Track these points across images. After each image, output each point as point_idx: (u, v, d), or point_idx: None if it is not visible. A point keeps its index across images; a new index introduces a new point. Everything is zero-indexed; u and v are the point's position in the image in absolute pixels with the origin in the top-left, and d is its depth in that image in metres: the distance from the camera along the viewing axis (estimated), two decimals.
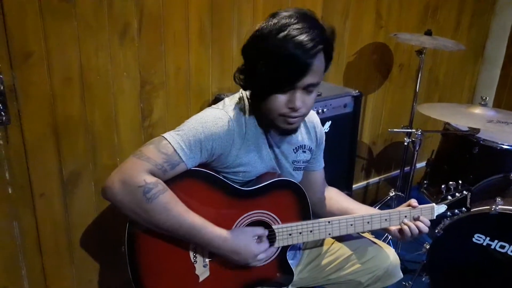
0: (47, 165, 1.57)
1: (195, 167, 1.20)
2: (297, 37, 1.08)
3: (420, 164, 2.90)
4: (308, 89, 1.15)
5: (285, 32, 1.08)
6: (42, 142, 1.54)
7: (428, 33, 2.32)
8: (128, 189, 1.10)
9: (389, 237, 2.24)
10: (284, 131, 1.25)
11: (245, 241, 1.23)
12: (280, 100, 1.15)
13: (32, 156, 1.53)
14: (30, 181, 1.55)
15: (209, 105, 1.33)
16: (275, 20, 1.11)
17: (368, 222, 1.35)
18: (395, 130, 2.35)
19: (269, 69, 1.11)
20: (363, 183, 2.88)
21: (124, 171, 1.12)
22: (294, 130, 1.26)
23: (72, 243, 1.72)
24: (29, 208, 1.58)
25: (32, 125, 1.50)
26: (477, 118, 2.01)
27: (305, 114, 1.22)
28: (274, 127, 1.24)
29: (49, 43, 1.45)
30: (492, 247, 1.74)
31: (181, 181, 1.19)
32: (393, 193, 2.50)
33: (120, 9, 1.56)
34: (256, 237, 1.26)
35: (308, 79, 1.12)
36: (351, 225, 1.34)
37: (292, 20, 1.10)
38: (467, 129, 2.17)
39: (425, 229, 1.34)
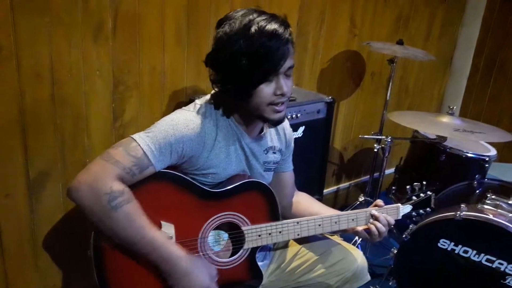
0: (13, 165, 1.52)
1: (164, 169, 1.19)
2: (269, 26, 1.13)
3: (389, 170, 2.97)
4: (287, 72, 1.20)
5: (256, 26, 1.13)
6: (8, 140, 1.49)
7: (400, 42, 2.38)
8: (94, 194, 1.08)
9: (358, 241, 2.27)
10: (274, 122, 1.27)
11: (202, 268, 1.20)
12: (267, 90, 1.19)
13: None
14: None
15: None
16: (236, 22, 1.15)
17: (335, 222, 1.37)
18: (365, 136, 2.40)
19: (253, 63, 1.14)
20: (333, 188, 2.92)
21: (91, 175, 1.10)
22: (283, 119, 1.29)
23: (36, 246, 1.67)
24: None
25: None
26: (445, 126, 2.07)
27: (289, 98, 1.26)
28: (264, 120, 1.27)
29: (19, 39, 1.41)
30: (456, 252, 1.79)
31: (150, 183, 1.17)
32: (363, 198, 2.54)
33: (95, 6, 1.54)
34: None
35: (288, 63, 1.18)
36: (319, 225, 1.36)
37: (254, 15, 1.15)
38: (434, 137, 2.23)
39: (392, 221, 1.39)
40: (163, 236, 1.16)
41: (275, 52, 1.14)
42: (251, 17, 1.15)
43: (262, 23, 1.13)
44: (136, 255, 1.18)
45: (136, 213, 1.12)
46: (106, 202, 1.08)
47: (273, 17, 1.16)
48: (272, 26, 1.14)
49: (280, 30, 1.14)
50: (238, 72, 1.16)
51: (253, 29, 1.12)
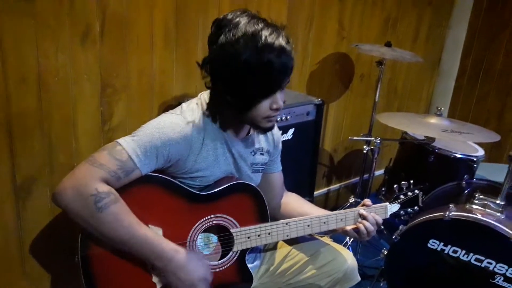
0: None
1: (150, 172, 1.18)
2: (277, 42, 1.11)
3: (379, 172, 2.98)
4: (284, 86, 1.20)
5: (263, 39, 1.10)
6: None
7: (388, 44, 2.40)
8: (80, 197, 1.07)
9: (349, 243, 2.28)
10: (266, 130, 1.28)
11: (196, 261, 1.20)
12: (265, 105, 1.19)
13: None
14: None
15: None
16: (240, 29, 1.11)
17: (324, 222, 1.38)
18: (355, 138, 2.40)
19: (259, 78, 1.13)
20: (324, 190, 2.92)
21: (76, 178, 1.09)
22: (274, 126, 1.30)
23: (24, 252, 1.64)
24: None
25: None
26: (433, 127, 2.09)
27: None
28: (257, 128, 1.27)
29: (4, 42, 1.40)
30: (446, 252, 1.80)
31: (136, 186, 1.17)
32: (353, 200, 2.55)
33: (81, 10, 1.52)
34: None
35: (288, 78, 1.18)
36: (308, 225, 1.37)
37: (259, 25, 1.12)
38: (423, 138, 2.25)
39: (380, 220, 1.40)
40: (154, 233, 1.15)
41: (283, 68, 1.13)
42: (256, 27, 1.11)
43: (272, 38, 1.10)
44: (126, 256, 1.17)
45: (123, 212, 1.12)
46: (92, 204, 1.07)
47: (277, 30, 1.14)
48: (280, 41, 1.12)
49: (288, 47, 1.13)
50: (242, 85, 1.15)
51: (261, 42, 1.10)
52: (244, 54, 1.10)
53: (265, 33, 1.11)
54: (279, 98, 1.20)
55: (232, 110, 1.23)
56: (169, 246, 1.16)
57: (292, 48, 1.15)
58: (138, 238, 1.12)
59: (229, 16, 1.16)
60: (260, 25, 1.12)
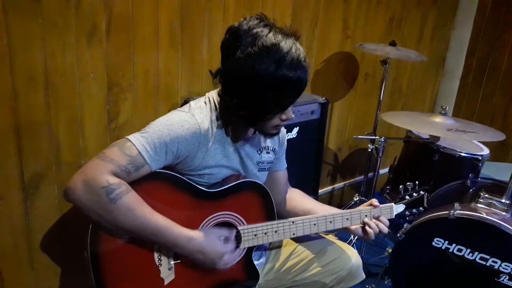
0: (7, 168, 1.52)
1: (159, 169, 1.19)
2: (295, 59, 1.12)
3: (383, 170, 2.98)
4: None
5: (283, 58, 1.11)
6: (2, 143, 1.48)
7: (393, 43, 2.40)
8: (91, 190, 1.08)
9: (353, 240, 2.28)
10: (272, 135, 1.32)
11: (211, 241, 1.23)
12: (277, 117, 1.23)
13: None
14: None
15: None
16: (259, 40, 1.11)
17: (330, 222, 1.39)
18: (359, 137, 2.41)
19: (280, 93, 1.15)
20: (328, 188, 2.92)
21: (87, 173, 1.10)
22: (279, 132, 1.34)
23: (32, 248, 1.66)
24: None
25: None
26: (438, 126, 2.09)
27: None
28: (263, 134, 1.32)
29: (12, 42, 1.41)
30: (450, 250, 1.80)
31: (145, 183, 1.18)
32: (357, 198, 2.55)
33: (88, 9, 1.54)
34: (223, 238, 1.27)
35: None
36: (315, 224, 1.38)
37: (278, 37, 1.12)
38: (428, 137, 2.25)
39: (385, 229, 1.41)
40: (168, 221, 1.17)
41: (301, 84, 1.15)
42: (273, 41, 1.11)
43: (291, 54, 1.11)
44: (135, 251, 1.20)
45: (136, 202, 1.13)
46: (104, 196, 1.08)
47: (295, 43, 1.14)
48: (299, 56, 1.12)
49: (306, 63, 1.15)
50: (259, 102, 1.16)
51: (281, 59, 1.10)
52: (263, 72, 1.11)
53: (284, 47, 1.11)
54: (290, 109, 1.23)
55: (243, 121, 1.25)
56: (183, 233, 1.18)
57: (308, 61, 1.16)
58: (153, 227, 1.14)
59: (245, 26, 1.14)
60: (278, 38, 1.12)
